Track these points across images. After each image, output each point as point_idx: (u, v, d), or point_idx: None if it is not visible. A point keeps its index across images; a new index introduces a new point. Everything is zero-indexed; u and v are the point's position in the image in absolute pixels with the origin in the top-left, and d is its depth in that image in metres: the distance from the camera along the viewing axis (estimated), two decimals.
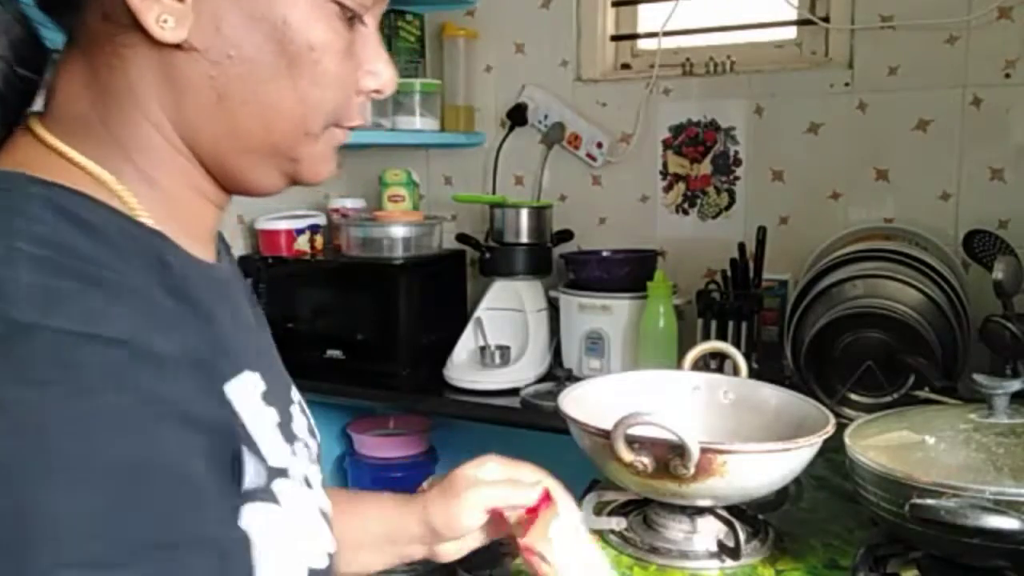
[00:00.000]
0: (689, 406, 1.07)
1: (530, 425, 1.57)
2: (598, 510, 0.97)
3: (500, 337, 1.77)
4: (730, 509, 0.93)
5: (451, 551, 0.79)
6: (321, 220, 2.06)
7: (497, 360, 1.73)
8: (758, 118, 1.82)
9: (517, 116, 2.00)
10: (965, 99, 1.64)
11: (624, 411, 0.85)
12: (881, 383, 1.36)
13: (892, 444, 0.86)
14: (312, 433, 0.68)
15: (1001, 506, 0.72)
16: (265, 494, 0.50)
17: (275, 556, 0.49)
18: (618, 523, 0.97)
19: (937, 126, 1.67)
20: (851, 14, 1.72)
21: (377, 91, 0.59)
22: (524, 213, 1.84)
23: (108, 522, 0.39)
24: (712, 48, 1.87)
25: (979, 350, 1.34)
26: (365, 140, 1.97)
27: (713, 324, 1.61)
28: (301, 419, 0.65)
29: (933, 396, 1.18)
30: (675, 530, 0.94)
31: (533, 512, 0.75)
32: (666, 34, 1.88)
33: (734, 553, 0.89)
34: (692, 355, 1.14)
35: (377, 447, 2.04)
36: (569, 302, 1.74)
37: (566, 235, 1.90)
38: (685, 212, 1.91)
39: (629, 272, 1.72)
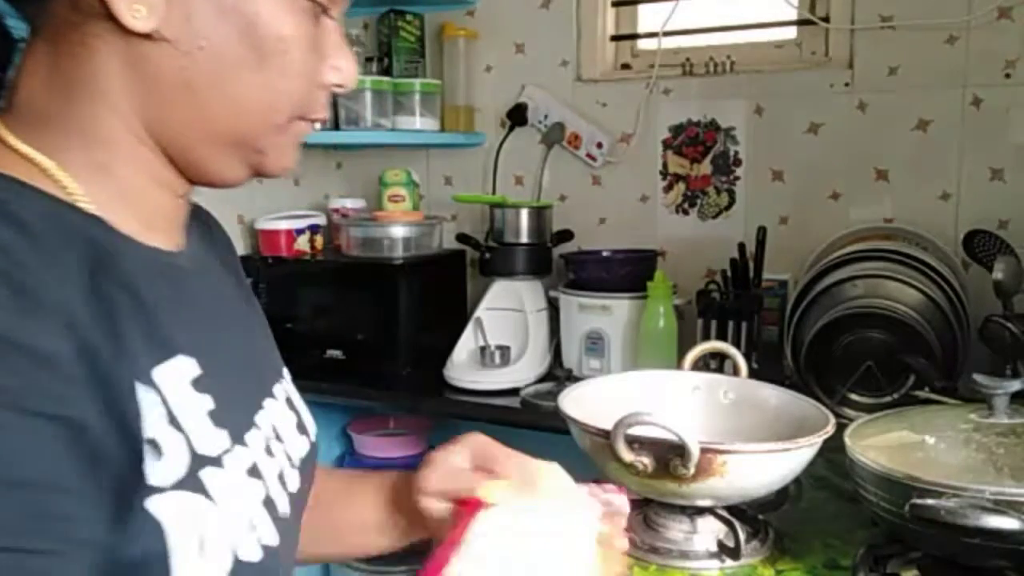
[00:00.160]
0: (689, 406, 1.07)
1: (530, 425, 1.57)
2: None
3: (500, 337, 1.77)
4: (730, 509, 0.93)
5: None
6: (321, 220, 2.06)
7: (497, 360, 1.73)
8: (758, 118, 1.82)
9: (517, 116, 2.00)
10: (965, 99, 1.64)
11: (624, 411, 0.85)
12: (881, 383, 1.36)
13: (892, 444, 0.86)
14: (302, 430, 0.68)
15: (1001, 506, 0.73)
16: (188, 483, 0.49)
17: (194, 546, 0.48)
18: None
19: (937, 126, 1.67)
20: (851, 14, 1.72)
21: (339, 85, 0.59)
22: (524, 213, 1.84)
23: None
24: (712, 48, 1.87)
25: (979, 350, 1.34)
26: (365, 140, 1.98)
27: (713, 324, 1.61)
28: (284, 414, 0.65)
29: (933, 396, 1.18)
30: (675, 530, 0.94)
31: (466, 506, 0.65)
32: (666, 34, 1.88)
33: (734, 553, 0.89)
34: (692, 355, 1.14)
35: (377, 447, 2.04)
36: (569, 302, 1.74)
37: (566, 235, 1.90)
38: (685, 212, 1.91)
39: (629, 272, 1.72)
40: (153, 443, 0.48)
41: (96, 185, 0.53)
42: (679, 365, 1.16)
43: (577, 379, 1.49)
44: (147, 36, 0.51)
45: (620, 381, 1.14)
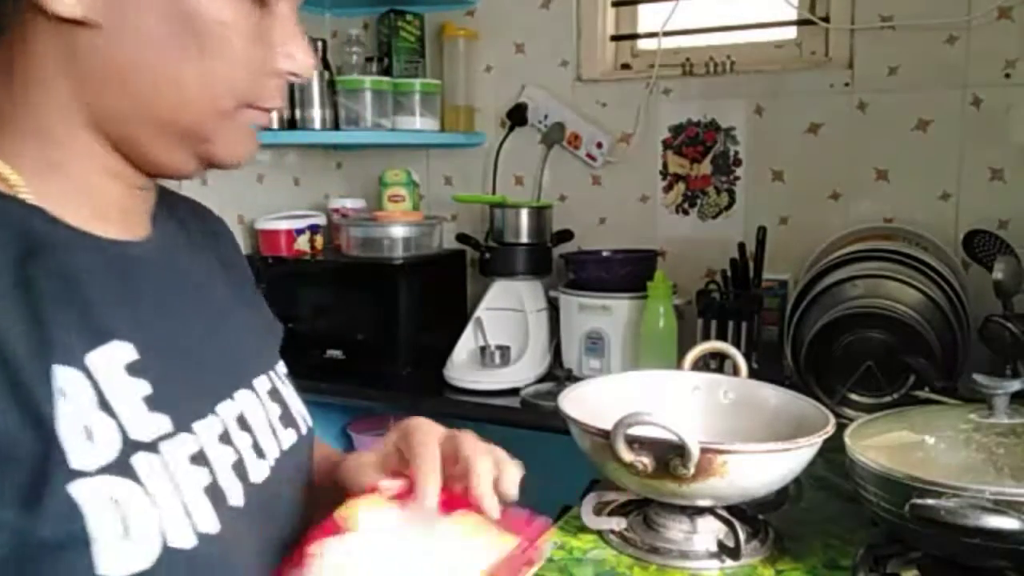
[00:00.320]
0: (689, 406, 1.07)
1: (530, 425, 1.57)
2: (598, 510, 0.97)
3: (500, 337, 1.77)
4: (730, 509, 0.93)
5: None
6: (321, 220, 2.06)
7: (497, 360, 1.73)
8: (758, 118, 1.82)
9: (517, 116, 2.00)
10: (965, 99, 1.64)
11: (624, 411, 0.85)
12: (881, 383, 1.36)
13: (892, 444, 0.86)
14: (289, 422, 0.68)
15: (1001, 506, 0.72)
16: (116, 467, 0.49)
17: (118, 530, 0.48)
18: (618, 523, 0.97)
19: (937, 126, 1.67)
20: (851, 14, 1.72)
21: (294, 74, 0.59)
22: (524, 213, 1.84)
23: None
24: (712, 48, 1.87)
25: (979, 350, 1.34)
26: (365, 140, 1.98)
27: (713, 324, 1.61)
28: (264, 406, 0.65)
29: (933, 396, 1.18)
30: (675, 530, 0.94)
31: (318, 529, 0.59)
32: (666, 34, 1.88)
33: (734, 553, 0.89)
34: (692, 355, 1.14)
35: (377, 447, 2.04)
36: (569, 302, 1.74)
37: (566, 235, 1.90)
38: (685, 212, 1.91)
39: (629, 272, 1.72)
40: (82, 428, 0.48)
41: (47, 180, 0.54)
42: (679, 365, 1.16)
43: (577, 379, 1.49)
44: (79, 23, 0.51)
45: (620, 381, 1.14)
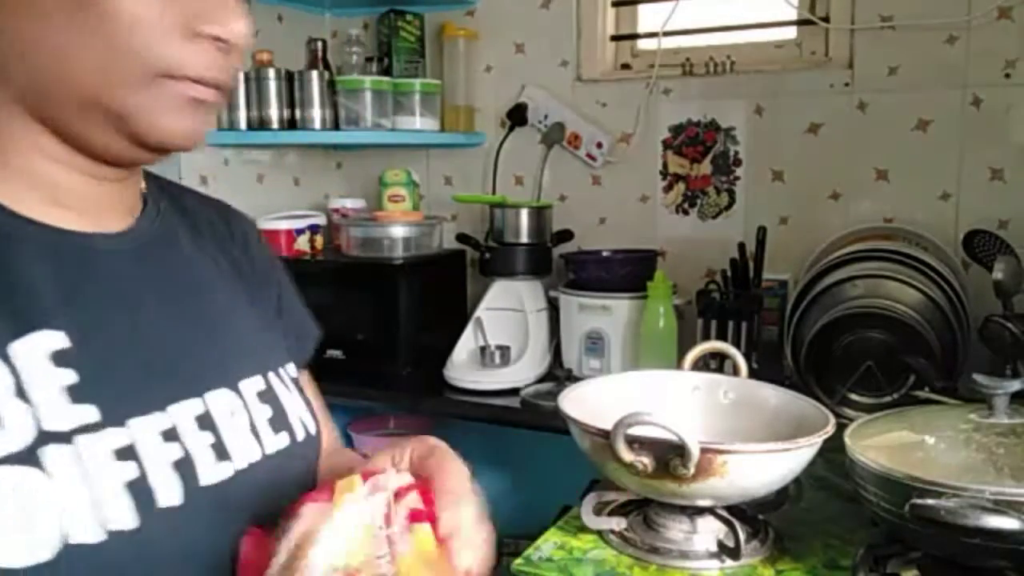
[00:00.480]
0: (689, 406, 1.07)
1: (530, 425, 1.57)
2: (598, 510, 0.97)
3: (500, 337, 1.77)
4: (730, 509, 0.93)
5: None
6: (321, 220, 2.06)
7: (497, 360, 1.73)
8: (758, 118, 1.82)
9: (517, 116, 2.00)
10: (965, 99, 1.64)
11: (624, 411, 0.85)
12: (881, 383, 1.36)
13: (892, 444, 0.86)
14: (281, 426, 0.66)
15: (1001, 506, 0.73)
16: (23, 457, 0.49)
17: (19, 520, 0.47)
18: (618, 523, 0.97)
19: (937, 126, 1.67)
20: (851, 14, 1.71)
21: (220, 39, 0.56)
22: (524, 213, 1.84)
23: None
24: (712, 48, 1.87)
25: (979, 350, 1.34)
26: (365, 140, 1.98)
27: (713, 324, 1.61)
28: (249, 408, 0.64)
29: (933, 396, 1.18)
30: (675, 530, 0.94)
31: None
32: (666, 34, 1.88)
33: (734, 553, 0.89)
34: (692, 355, 1.14)
35: (377, 447, 2.03)
36: (569, 302, 1.74)
37: (566, 235, 1.90)
38: (685, 212, 1.91)
39: (629, 272, 1.72)
40: None
41: None
42: (679, 365, 1.16)
43: (577, 379, 1.49)
44: None
45: (620, 381, 1.14)
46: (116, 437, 0.54)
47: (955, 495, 0.74)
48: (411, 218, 1.93)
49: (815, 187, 1.78)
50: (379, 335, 1.80)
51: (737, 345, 1.39)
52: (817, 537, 0.96)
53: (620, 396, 1.03)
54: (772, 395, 1.05)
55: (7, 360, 0.50)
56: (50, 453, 0.50)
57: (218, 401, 0.62)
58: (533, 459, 1.73)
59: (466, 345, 1.80)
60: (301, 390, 0.74)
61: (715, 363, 1.48)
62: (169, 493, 0.55)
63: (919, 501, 0.75)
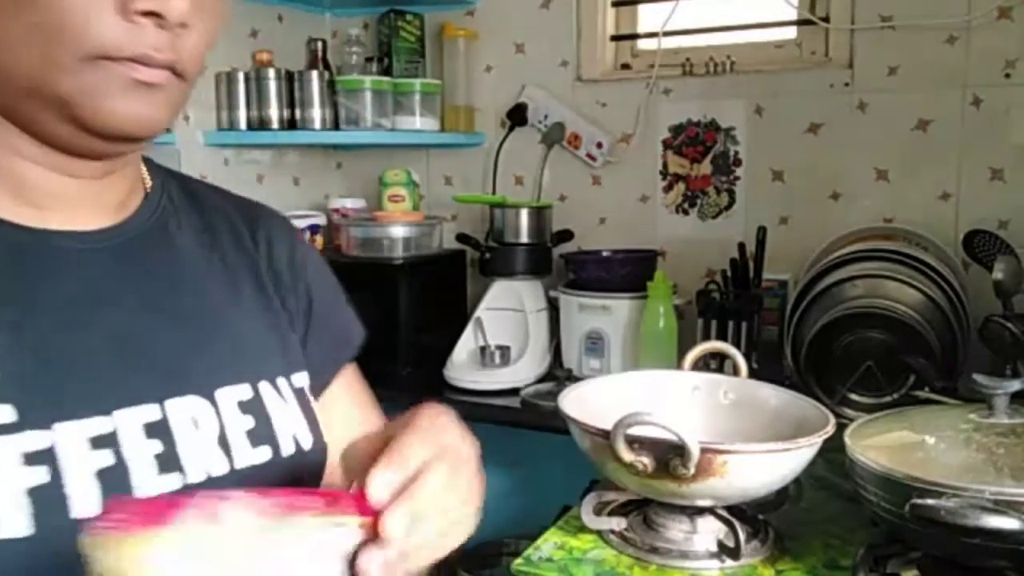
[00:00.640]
0: (689, 406, 1.07)
1: (530, 425, 1.57)
2: (598, 510, 0.97)
3: (500, 337, 1.77)
4: (730, 509, 0.93)
5: None
6: (321, 220, 2.06)
7: (497, 360, 1.73)
8: (758, 118, 1.82)
9: (517, 116, 2.00)
10: (965, 99, 1.64)
11: (624, 411, 0.85)
12: (881, 383, 1.36)
13: (892, 444, 0.86)
14: (263, 439, 0.62)
15: (1001, 506, 0.73)
16: None
17: None
18: (618, 523, 0.96)
19: (937, 126, 1.67)
20: (851, 14, 1.72)
21: (153, 13, 0.53)
22: (524, 213, 1.84)
23: None
24: (712, 48, 1.87)
25: (979, 350, 1.34)
26: (365, 140, 1.98)
27: (713, 324, 1.61)
28: (205, 417, 0.59)
29: (933, 396, 1.18)
30: (675, 530, 0.94)
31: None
32: (666, 34, 1.88)
33: (734, 553, 0.89)
34: (692, 355, 1.14)
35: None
36: (569, 302, 1.74)
37: (566, 235, 1.90)
38: (685, 212, 1.91)
39: (629, 272, 1.72)
40: None
41: None
42: (679, 365, 1.16)
43: (577, 379, 1.49)
44: None
45: (620, 381, 1.14)
46: (32, 440, 0.51)
47: (955, 495, 0.74)
48: (411, 218, 1.93)
49: (815, 187, 1.78)
50: (379, 335, 1.78)
51: (737, 345, 1.39)
52: (817, 537, 0.96)
53: (620, 396, 1.02)
54: (772, 395, 1.05)
55: None
56: None
57: (180, 408, 0.59)
58: (533, 459, 1.73)
59: (466, 345, 1.80)
60: (307, 402, 0.70)
61: (715, 363, 1.48)
62: (86, 502, 0.52)
63: (919, 501, 0.75)
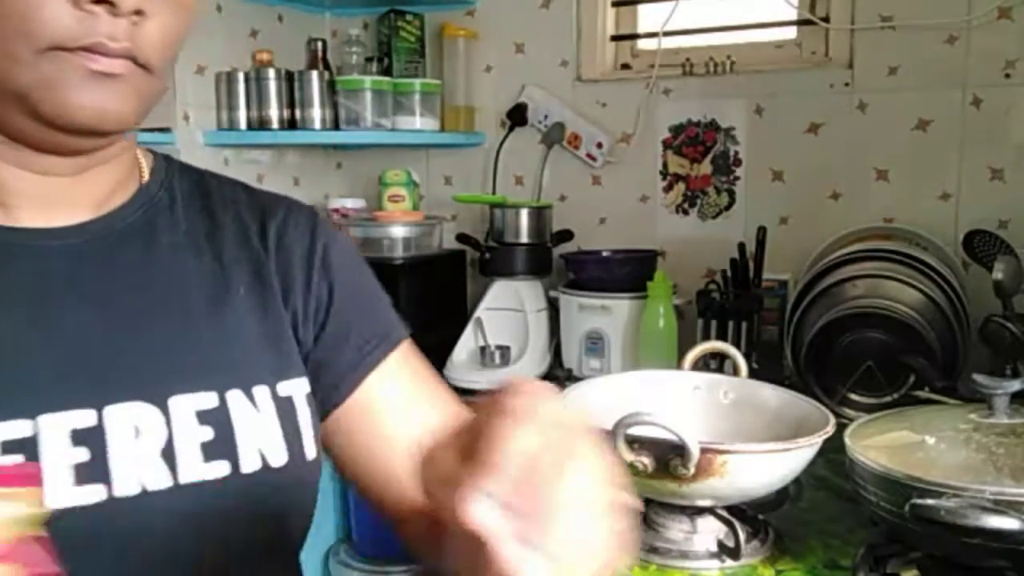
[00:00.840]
0: (689, 406, 1.07)
1: None
2: None
3: (500, 337, 1.77)
4: (730, 509, 0.93)
5: None
6: None
7: (497, 360, 1.73)
8: (758, 118, 1.82)
9: (517, 116, 2.00)
10: (965, 99, 1.64)
11: (624, 411, 0.85)
12: (881, 383, 1.36)
13: (892, 444, 0.86)
14: (221, 452, 0.58)
15: (1001, 506, 0.73)
16: None
17: None
18: None
19: (937, 126, 1.67)
20: (851, 14, 1.71)
21: (106, 1, 0.52)
22: (524, 213, 1.84)
23: None
24: (712, 48, 1.87)
25: (979, 350, 1.34)
26: (365, 140, 1.98)
27: (713, 324, 1.61)
28: (152, 426, 0.56)
29: (933, 396, 1.18)
30: (675, 530, 0.94)
31: None
32: (666, 34, 1.88)
33: (734, 553, 0.89)
34: (692, 355, 1.14)
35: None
36: (569, 302, 1.74)
37: (566, 235, 1.90)
38: (685, 212, 1.91)
39: (629, 272, 1.72)
40: None
41: None
42: (679, 365, 1.16)
43: (577, 379, 1.50)
44: None
45: (620, 381, 1.14)
46: None
47: (955, 495, 0.74)
48: (411, 218, 1.93)
49: (815, 187, 1.78)
50: None
51: (737, 345, 1.39)
52: (817, 537, 0.96)
53: (620, 396, 1.03)
54: (772, 395, 1.05)
55: None
56: None
57: (120, 415, 0.56)
58: None
59: (466, 345, 1.80)
60: (292, 413, 0.64)
61: (715, 363, 1.48)
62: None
63: (919, 501, 0.75)
